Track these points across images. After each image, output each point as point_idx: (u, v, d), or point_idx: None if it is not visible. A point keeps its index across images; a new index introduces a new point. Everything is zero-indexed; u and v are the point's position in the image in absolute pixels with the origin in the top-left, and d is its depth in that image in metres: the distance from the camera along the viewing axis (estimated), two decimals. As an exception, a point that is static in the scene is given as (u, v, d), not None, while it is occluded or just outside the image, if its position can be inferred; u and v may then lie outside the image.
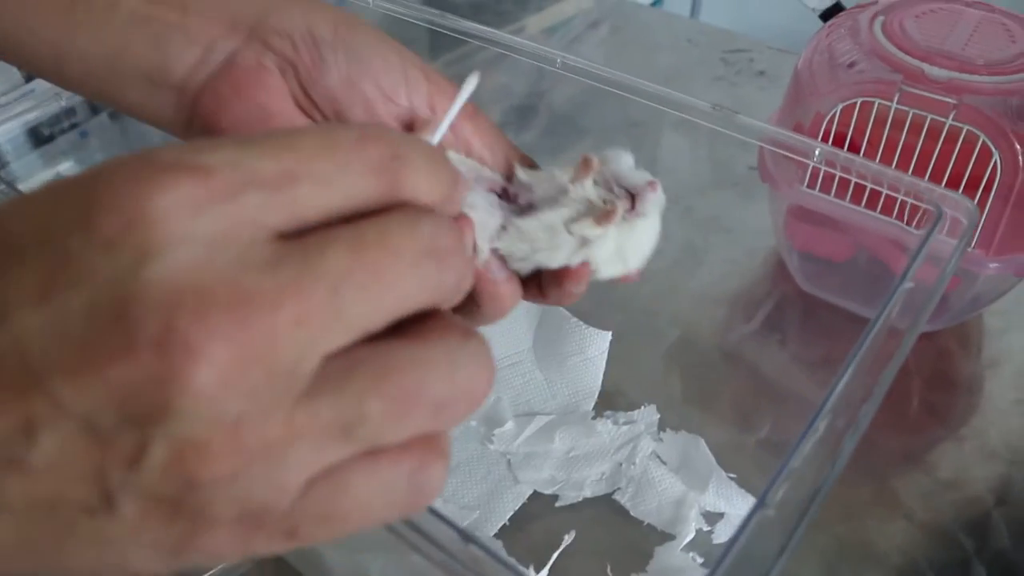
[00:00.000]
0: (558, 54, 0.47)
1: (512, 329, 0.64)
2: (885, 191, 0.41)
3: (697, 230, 0.74)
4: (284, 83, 0.35)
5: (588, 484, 0.57)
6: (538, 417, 0.61)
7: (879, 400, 0.40)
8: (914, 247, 0.45)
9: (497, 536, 0.55)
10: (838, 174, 0.49)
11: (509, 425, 0.60)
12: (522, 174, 0.37)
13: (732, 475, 0.55)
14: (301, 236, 0.20)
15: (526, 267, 0.36)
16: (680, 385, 0.63)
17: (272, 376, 0.19)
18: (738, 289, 0.70)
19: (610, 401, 0.61)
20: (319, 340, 0.19)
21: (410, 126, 0.36)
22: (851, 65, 0.59)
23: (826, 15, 0.73)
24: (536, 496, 0.57)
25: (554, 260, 0.36)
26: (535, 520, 0.56)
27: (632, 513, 0.55)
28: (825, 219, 0.61)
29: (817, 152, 0.42)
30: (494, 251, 0.35)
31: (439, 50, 0.80)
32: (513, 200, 0.37)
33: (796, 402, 0.62)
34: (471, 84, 0.33)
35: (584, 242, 0.35)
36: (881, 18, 0.61)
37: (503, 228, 0.35)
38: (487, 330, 0.64)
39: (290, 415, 0.19)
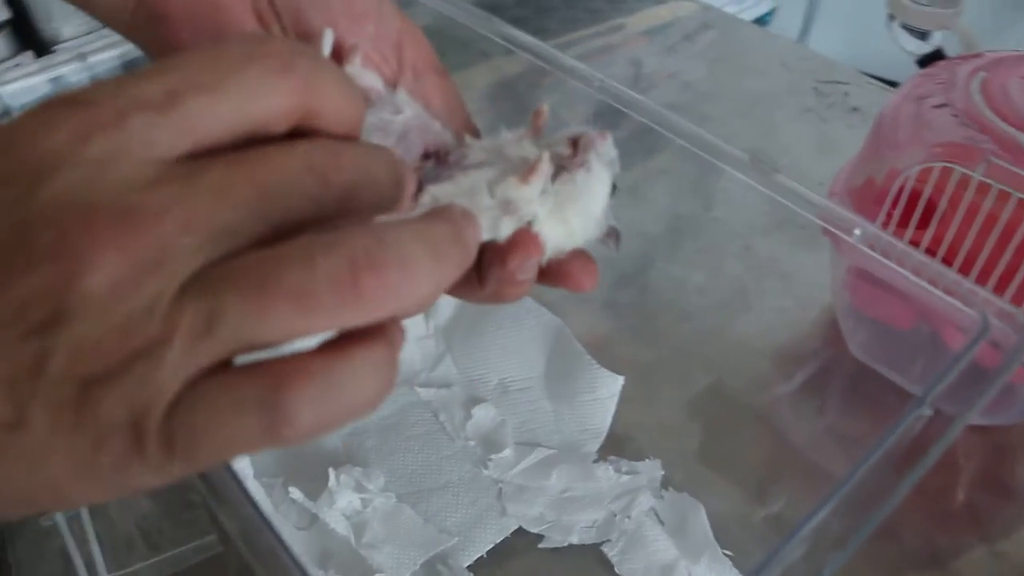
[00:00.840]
0: (597, 76, 0.43)
1: (526, 352, 0.61)
2: (926, 284, 0.35)
3: (751, 272, 0.69)
4: None
5: (577, 529, 0.53)
6: (539, 449, 0.57)
7: (895, 502, 0.35)
8: (972, 330, 0.39)
9: (471, 568, 0.52)
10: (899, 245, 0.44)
11: (508, 452, 0.57)
12: (469, 140, 0.34)
13: (728, 552, 0.51)
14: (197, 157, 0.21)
15: None
16: (698, 439, 0.58)
17: (156, 278, 0.20)
18: (783, 343, 0.65)
19: (618, 444, 0.57)
20: (199, 246, 0.20)
21: (338, 53, 0.33)
22: (938, 123, 0.53)
23: (924, 61, 0.67)
24: (521, 532, 0.54)
25: None
26: (514, 557, 0.53)
27: (617, 569, 0.51)
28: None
29: (857, 232, 0.37)
30: None
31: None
32: (443, 163, 0.33)
33: (820, 479, 0.56)
34: None
35: (509, 207, 0.30)
36: (982, 75, 0.55)
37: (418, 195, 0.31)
38: (498, 352, 0.60)
39: (166, 314, 0.20)
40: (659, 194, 0.76)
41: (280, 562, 0.35)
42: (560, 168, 0.31)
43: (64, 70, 0.63)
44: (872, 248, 0.37)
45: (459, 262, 0.23)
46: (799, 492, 0.55)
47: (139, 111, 0.20)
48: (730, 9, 1.05)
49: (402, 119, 0.33)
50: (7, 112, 0.57)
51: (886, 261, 0.51)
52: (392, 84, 0.34)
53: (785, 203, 0.37)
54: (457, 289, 0.33)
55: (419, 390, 0.60)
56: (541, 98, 0.86)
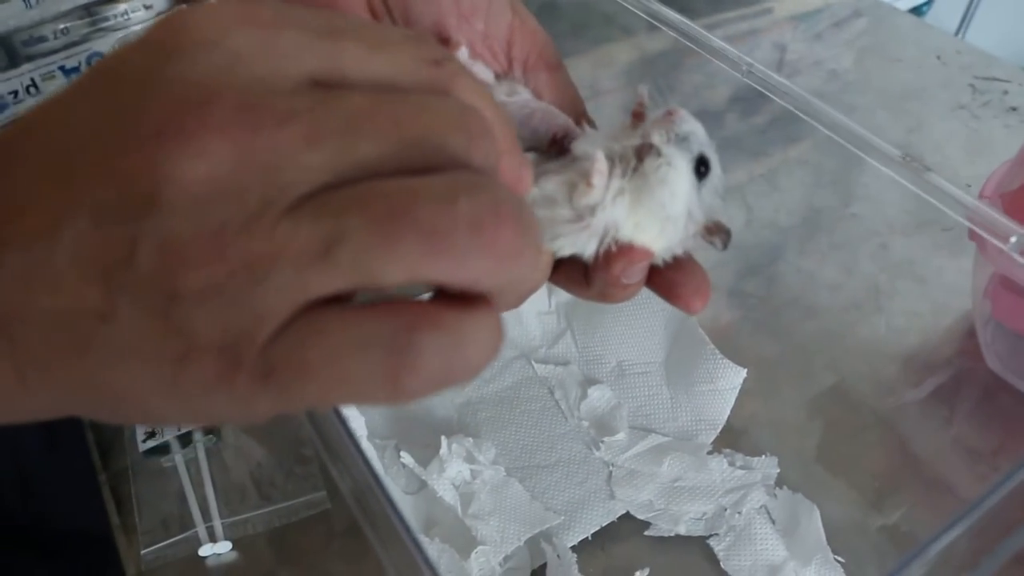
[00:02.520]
0: (745, 59, 0.42)
1: (648, 336, 0.60)
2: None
3: (886, 272, 0.66)
4: None
5: (685, 520, 0.53)
6: (653, 435, 0.57)
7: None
8: None
9: (575, 549, 0.52)
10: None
11: (621, 436, 0.57)
12: (587, 129, 0.31)
13: (840, 559, 0.49)
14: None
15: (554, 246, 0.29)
16: (817, 439, 0.57)
17: (265, 187, 0.18)
18: (914, 348, 0.62)
19: (733, 438, 0.56)
20: (323, 165, 0.18)
21: (444, 40, 0.31)
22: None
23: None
24: (627, 517, 0.53)
25: (558, 245, 0.29)
26: (619, 542, 0.53)
27: (722, 564, 0.51)
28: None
29: (1013, 240, 0.35)
30: None
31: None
32: (567, 152, 0.30)
33: (942, 493, 0.54)
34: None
35: (585, 216, 0.28)
36: None
37: None
38: (619, 334, 0.60)
39: (273, 229, 0.18)
40: (795, 185, 0.74)
41: (389, 524, 0.36)
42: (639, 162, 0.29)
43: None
44: (1025, 257, 0.35)
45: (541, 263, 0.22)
46: (919, 504, 0.53)
47: (300, 28, 0.20)
48: (885, -4, 1.00)
49: (522, 100, 0.32)
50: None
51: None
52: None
53: (935, 204, 0.35)
54: (567, 284, 0.32)
55: (536, 365, 0.60)
56: (681, 79, 0.84)
